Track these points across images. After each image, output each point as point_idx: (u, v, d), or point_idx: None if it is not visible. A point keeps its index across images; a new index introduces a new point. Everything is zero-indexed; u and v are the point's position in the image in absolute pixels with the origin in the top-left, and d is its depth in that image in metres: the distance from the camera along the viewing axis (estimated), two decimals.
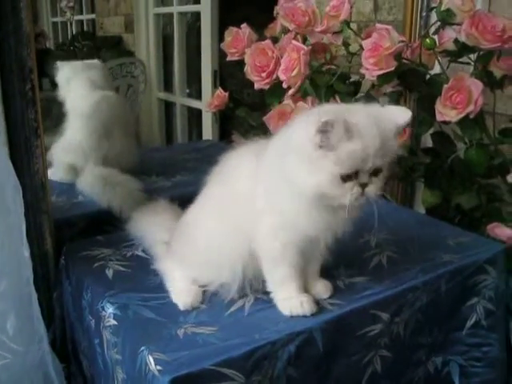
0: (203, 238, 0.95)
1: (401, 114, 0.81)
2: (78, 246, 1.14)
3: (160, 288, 0.97)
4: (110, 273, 1.03)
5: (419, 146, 1.49)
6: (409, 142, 1.39)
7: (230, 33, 1.51)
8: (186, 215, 1.03)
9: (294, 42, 1.29)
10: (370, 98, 1.41)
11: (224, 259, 0.92)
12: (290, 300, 0.89)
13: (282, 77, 1.29)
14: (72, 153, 1.50)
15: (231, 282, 0.92)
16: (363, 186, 0.77)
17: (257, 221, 0.88)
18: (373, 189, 0.78)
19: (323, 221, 0.83)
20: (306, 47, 1.27)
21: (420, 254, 1.07)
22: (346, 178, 0.76)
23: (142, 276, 1.02)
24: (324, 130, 0.73)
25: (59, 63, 1.62)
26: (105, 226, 1.27)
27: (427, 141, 1.46)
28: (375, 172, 0.78)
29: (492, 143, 1.28)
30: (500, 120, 1.57)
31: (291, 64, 1.27)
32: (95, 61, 1.69)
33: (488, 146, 1.28)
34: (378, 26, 1.20)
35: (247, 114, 1.71)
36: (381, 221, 1.20)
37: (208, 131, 2.48)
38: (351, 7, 1.29)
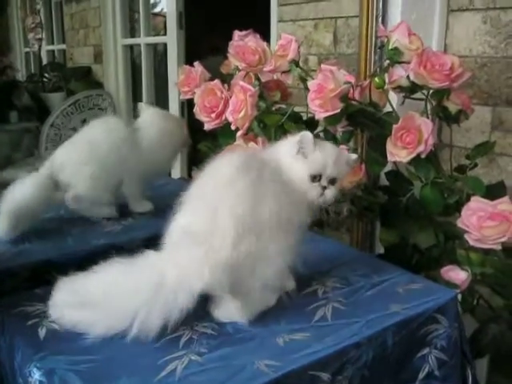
0: None
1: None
2: (14, 300, 1.08)
3: (93, 348, 0.92)
4: (42, 332, 0.98)
5: (377, 184, 1.46)
6: (365, 179, 1.37)
7: (183, 71, 1.49)
8: None
9: (241, 82, 1.27)
10: (327, 133, 1.39)
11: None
12: None
13: (230, 118, 1.26)
14: None
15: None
16: (323, 188, 1.02)
17: None
18: (329, 192, 1.02)
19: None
20: (253, 88, 1.25)
21: (367, 304, 1.02)
22: (313, 179, 1.01)
23: (75, 335, 0.96)
24: (300, 142, 1.01)
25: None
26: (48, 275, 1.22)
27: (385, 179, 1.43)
28: (332, 181, 1.03)
29: (447, 181, 1.25)
30: (460, 153, 1.55)
31: (238, 105, 1.24)
32: None
33: (444, 183, 1.26)
34: (323, 66, 1.17)
35: (211, 147, 1.68)
36: (332, 265, 1.19)
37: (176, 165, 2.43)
38: (299, 46, 1.27)
